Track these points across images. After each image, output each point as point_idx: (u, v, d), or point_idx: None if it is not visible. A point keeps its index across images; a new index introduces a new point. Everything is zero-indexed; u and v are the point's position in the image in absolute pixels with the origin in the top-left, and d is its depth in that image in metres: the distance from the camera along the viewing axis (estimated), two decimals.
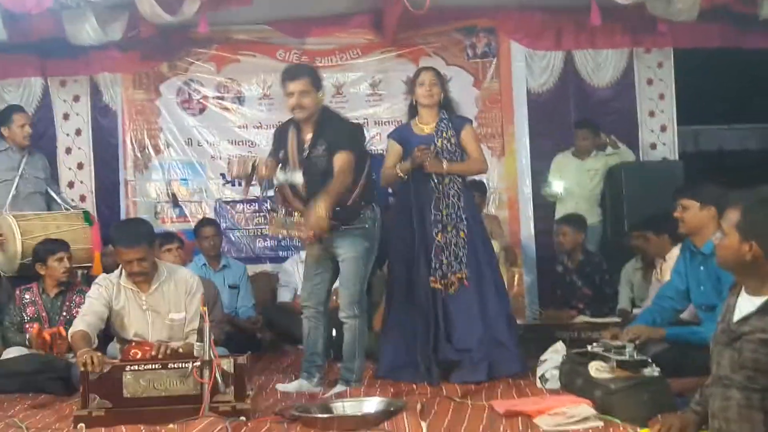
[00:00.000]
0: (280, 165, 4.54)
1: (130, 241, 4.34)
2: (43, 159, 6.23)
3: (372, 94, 7.42)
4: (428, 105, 4.88)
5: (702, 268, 4.20)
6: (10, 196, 5.80)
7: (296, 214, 4.48)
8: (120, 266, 4.45)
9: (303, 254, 6.39)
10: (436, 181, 4.80)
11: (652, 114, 7.44)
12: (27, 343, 5.00)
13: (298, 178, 4.48)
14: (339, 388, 4.49)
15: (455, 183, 4.82)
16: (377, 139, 7.21)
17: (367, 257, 4.57)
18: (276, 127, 5.12)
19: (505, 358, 4.68)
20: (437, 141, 4.82)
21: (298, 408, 3.78)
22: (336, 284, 4.76)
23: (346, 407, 3.81)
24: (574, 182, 6.94)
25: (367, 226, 4.55)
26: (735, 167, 8.61)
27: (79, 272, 5.55)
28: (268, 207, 4.73)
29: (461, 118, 5.01)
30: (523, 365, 4.66)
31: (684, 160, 7.21)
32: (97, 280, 4.50)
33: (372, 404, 3.81)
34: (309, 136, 4.53)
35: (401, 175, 4.84)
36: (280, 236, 4.57)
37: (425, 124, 4.91)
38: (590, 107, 7.36)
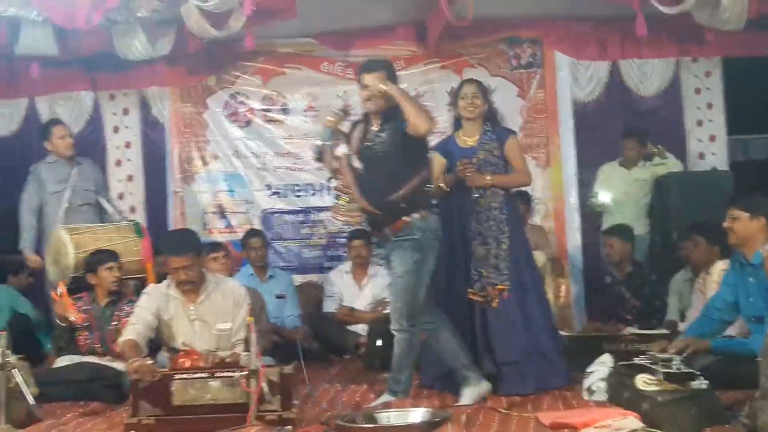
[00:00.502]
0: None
1: (177, 249, 4.41)
2: (93, 169, 6.34)
3: None
4: (471, 118, 4.87)
5: (751, 279, 4.15)
6: (63, 208, 5.93)
7: (341, 199, 4.52)
8: (168, 277, 4.51)
9: (348, 265, 6.51)
10: (478, 194, 4.78)
11: (700, 123, 7.35)
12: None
13: (357, 164, 4.46)
14: (385, 398, 4.46)
15: (498, 195, 4.79)
16: None
17: (418, 270, 4.35)
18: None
19: (550, 371, 4.66)
20: (480, 153, 4.81)
21: (343, 418, 3.79)
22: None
23: (391, 417, 3.82)
24: (621, 192, 6.87)
25: (417, 236, 4.37)
26: None
27: (132, 283, 5.64)
28: (334, 196, 4.68)
29: (505, 130, 4.99)
30: (567, 378, 4.63)
31: (734, 170, 7.09)
32: (146, 290, 4.58)
33: (417, 415, 3.82)
34: (375, 128, 4.51)
35: (444, 187, 4.83)
36: (348, 223, 4.53)
37: (468, 137, 4.90)
38: (637, 117, 7.29)
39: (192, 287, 4.44)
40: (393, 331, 4.47)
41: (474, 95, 4.85)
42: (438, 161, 4.92)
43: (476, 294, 4.72)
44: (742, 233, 4.19)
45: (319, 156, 4.55)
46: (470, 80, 5.12)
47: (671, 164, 6.90)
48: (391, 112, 4.42)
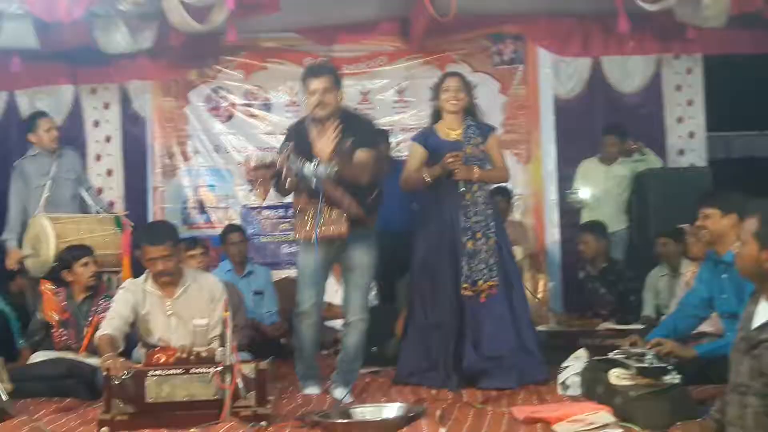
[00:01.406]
0: (303, 159, 4.35)
1: (155, 238, 4.39)
2: (74, 157, 6.27)
3: (398, 101, 7.47)
4: (454, 111, 4.86)
5: (725, 275, 4.16)
6: (43, 198, 5.90)
7: (326, 210, 4.38)
8: (146, 272, 4.49)
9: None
10: (464, 188, 4.77)
11: (680, 120, 7.40)
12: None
13: (331, 171, 4.31)
14: (342, 392, 4.50)
15: (483, 190, 4.81)
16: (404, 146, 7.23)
17: (374, 265, 4.66)
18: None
19: (532, 366, 4.69)
20: (466, 148, 4.80)
21: (318, 413, 3.79)
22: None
23: (366, 413, 3.82)
24: (601, 189, 6.90)
25: (371, 235, 4.61)
26: (766, 174, 8.49)
27: (107, 277, 5.62)
28: (293, 212, 4.63)
29: (487, 126, 4.99)
30: (548, 372, 4.65)
31: (714, 167, 7.13)
32: (123, 285, 4.54)
33: (392, 410, 3.82)
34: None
35: (428, 179, 4.80)
36: (311, 239, 4.41)
37: (452, 130, 4.88)
38: (618, 113, 7.33)
39: (169, 279, 4.40)
40: (354, 322, 4.61)
41: (457, 89, 4.84)
42: (419, 152, 4.91)
43: (468, 289, 4.72)
44: (714, 231, 4.20)
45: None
46: (453, 73, 5.10)
47: (651, 160, 6.94)
48: (345, 118, 4.48)
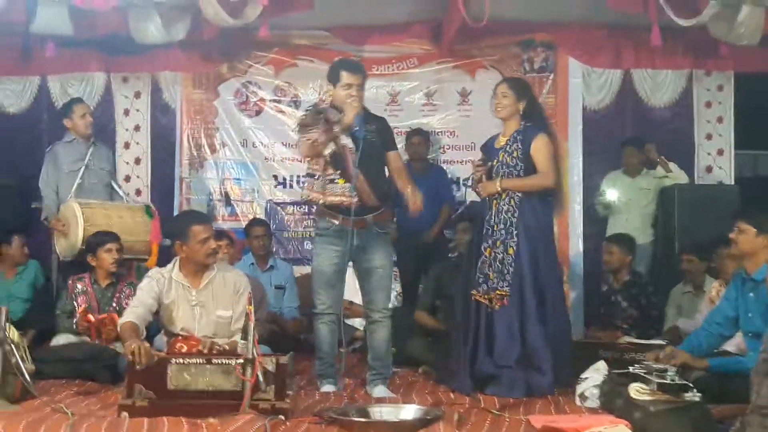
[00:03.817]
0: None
1: (204, 218, 4.55)
2: (107, 151, 6.46)
3: (426, 104, 7.47)
4: (502, 117, 4.82)
5: (751, 294, 4.16)
6: (75, 185, 6.01)
7: (338, 180, 4.53)
8: (174, 260, 4.52)
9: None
10: (491, 196, 4.77)
11: (709, 137, 7.35)
12: (74, 326, 5.13)
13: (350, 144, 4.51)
14: (382, 386, 4.59)
15: (513, 198, 4.71)
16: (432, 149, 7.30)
17: (392, 262, 4.88)
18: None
19: (539, 382, 4.56)
20: (500, 155, 4.76)
21: (336, 410, 3.81)
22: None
23: (384, 413, 3.83)
24: (626, 200, 6.87)
25: (389, 231, 4.77)
26: None
27: (136, 264, 5.67)
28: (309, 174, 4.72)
29: (535, 128, 4.77)
30: (552, 390, 4.53)
31: (741, 185, 7.09)
32: (149, 273, 4.58)
33: (409, 411, 3.82)
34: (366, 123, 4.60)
35: (480, 193, 4.87)
36: (343, 204, 4.51)
37: (504, 136, 4.85)
38: (646, 127, 7.29)
39: (214, 259, 4.47)
40: (379, 319, 4.69)
41: (503, 94, 4.78)
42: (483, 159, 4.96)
43: (480, 296, 4.72)
44: (745, 247, 4.19)
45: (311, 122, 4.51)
46: (504, 79, 5.15)
47: (676, 176, 6.88)
48: (365, 112, 4.60)
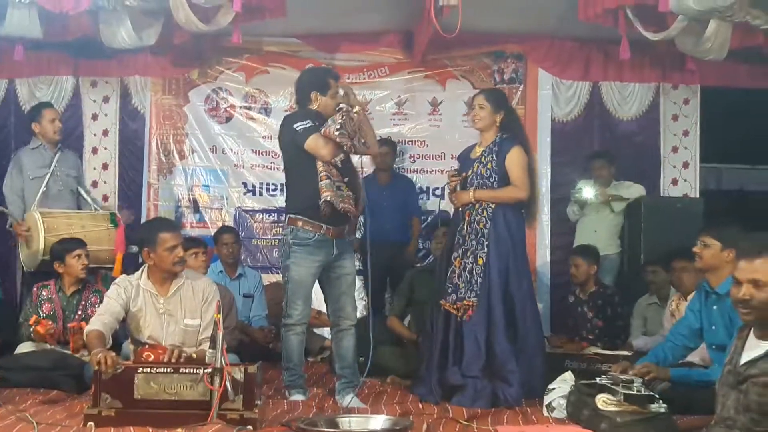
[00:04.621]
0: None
1: (173, 226, 4.51)
2: (75, 157, 6.38)
3: (397, 113, 7.50)
4: (479, 128, 4.87)
5: (715, 307, 4.21)
6: (40, 192, 5.93)
7: (344, 188, 4.54)
8: (142, 268, 4.48)
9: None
10: (462, 206, 4.80)
11: (675, 150, 7.45)
12: (31, 334, 5.07)
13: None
14: (352, 395, 4.58)
15: (486, 209, 4.73)
16: (399, 159, 7.30)
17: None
18: None
19: (506, 393, 4.54)
20: (474, 165, 4.79)
21: (304, 421, 3.79)
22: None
23: (353, 423, 3.82)
24: (594, 211, 6.92)
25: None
26: (756, 208, 8.58)
27: (103, 273, 5.62)
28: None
29: (509, 140, 4.80)
30: (521, 402, 4.55)
31: (705, 198, 7.20)
32: (116, 281, 4.53)
33: (378, 421, 3.82)
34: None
35: (454, 202, 4.92)
36: (345, 210, 4.52)
37: (480, 147, 4.88)
38: (614, 139, 7.39)
39: (181, 268, 4.42)
40: (347, 327, 4.73)
41: (480, 106, 4.82)
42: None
43: (449, 305, 4.73)
44: (709, 261, 4.25)
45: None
46: (481, 90, 5.18)
47: (632, 193, 6.90)
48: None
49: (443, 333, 4.76)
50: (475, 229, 4.74)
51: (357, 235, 4.86)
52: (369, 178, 7.03)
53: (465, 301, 4.68)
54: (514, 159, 4.75)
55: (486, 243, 4.71)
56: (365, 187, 6.83)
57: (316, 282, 4.78)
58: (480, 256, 4.70)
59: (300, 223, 4.56)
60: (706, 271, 4.33)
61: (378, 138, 6.94)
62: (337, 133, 4.40)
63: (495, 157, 4.76)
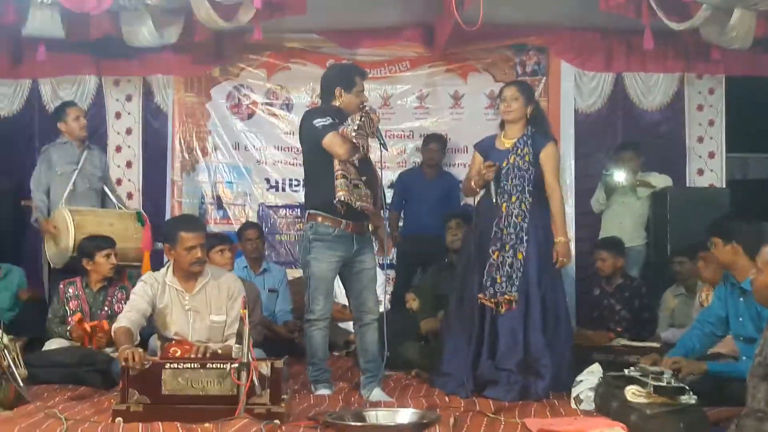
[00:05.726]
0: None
1: (194, 226, 4.46)
2: (101, 156, 6.40)
3: (419, 107, 7.48)
4: (510, 120, 4.84)
5: (741, 299, 4.16)
6: (67, 191, 5.95)
7: (361, 185, 4.54)
8: (167, 265, 4.51)
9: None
10: (498, 199, 4.74)
11: (700, 140, 7.38)
12: (67, 333, 5.11)
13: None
14: (378, 389, 4.58)
15: (524, 202, 4.70)
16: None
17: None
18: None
19: (535, 387, 4.55)
20: (510, 157, 4.75)
21: (332, 415, 3.80)
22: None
23: (380, 417, 3.82)
24: (620, 202, 6.86)
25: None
26: None
27: (129, 271, 5.65)
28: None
29: (543, 136, 4.83)
30: (547, 395, 4.54)
31: (731, 188, 7.13)
32: (143, 278, 4.57)
33: (405, 415, 3.82)
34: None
35: (477, 189, 4.87)
36: (363, 208, 4.53)
37: (508, 139, 4.85)
38: (638, 130, 7.32)
39: (201, 268, 4.44)
40: (370, 321, 4.70)
41: (513, 98, 4.80)
42: (477, 160, 4.97)
43: (486, 299, 4.70)
44: (722, 259, 4.23)
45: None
46: (512, 83, 5.17)
47: (659, 183, 6.84)
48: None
49: (479, 327, 4.73)
50: (513, 223, 4.70)
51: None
52: (415, 171, 7.11)
53: (506, 296, 4.64)
54: (549, 156, 4.79)
55: (525, 237, 4.69)
56: (411, 178, 6.69)
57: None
58: (519, 250, 4.67)
59: (320, 219, 4.55)
60: (728, 268, 4.28)
61: (426, 134, 7.04)
62: (353, 133, 4.38)
63: (531, 150, 4.75)
